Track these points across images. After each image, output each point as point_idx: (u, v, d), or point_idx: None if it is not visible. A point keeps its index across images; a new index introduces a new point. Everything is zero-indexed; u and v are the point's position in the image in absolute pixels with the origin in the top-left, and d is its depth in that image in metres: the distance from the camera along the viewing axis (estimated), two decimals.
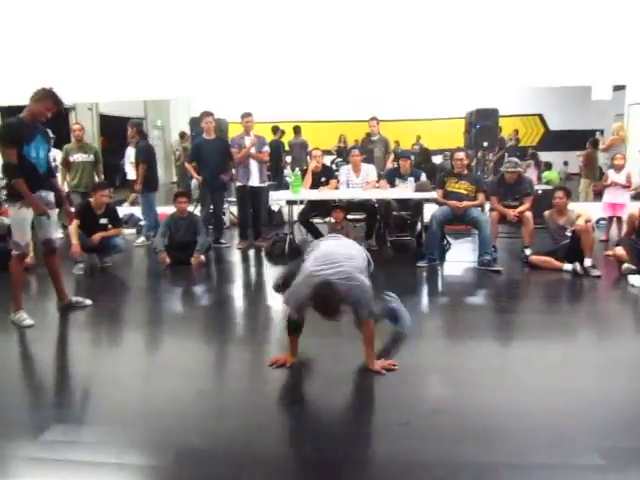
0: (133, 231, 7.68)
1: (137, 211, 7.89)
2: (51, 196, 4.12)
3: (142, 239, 7.09)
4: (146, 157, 6.98)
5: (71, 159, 6.84)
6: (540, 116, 15.70)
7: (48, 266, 4.30)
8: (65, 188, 7.12)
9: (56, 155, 7.28)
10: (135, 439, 2.47)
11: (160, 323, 4.26)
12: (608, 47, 7.38)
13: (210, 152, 6.59)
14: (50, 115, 3.92)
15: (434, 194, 5.99)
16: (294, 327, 3.12)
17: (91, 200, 5.83)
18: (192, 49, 7.73)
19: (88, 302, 4.46)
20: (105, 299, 4.80)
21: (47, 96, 3.87)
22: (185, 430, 2.53)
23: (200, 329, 4.10)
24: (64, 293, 4.40)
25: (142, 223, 7.52)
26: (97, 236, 5.69)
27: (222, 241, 6.94)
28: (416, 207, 6.36)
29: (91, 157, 6.87)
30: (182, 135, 11.29)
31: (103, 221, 5.80)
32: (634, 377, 3.05)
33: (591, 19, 7.19)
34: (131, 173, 10.09)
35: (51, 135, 4.56)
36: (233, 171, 6.98)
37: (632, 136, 10.06)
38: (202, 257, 5.90)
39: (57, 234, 4.30)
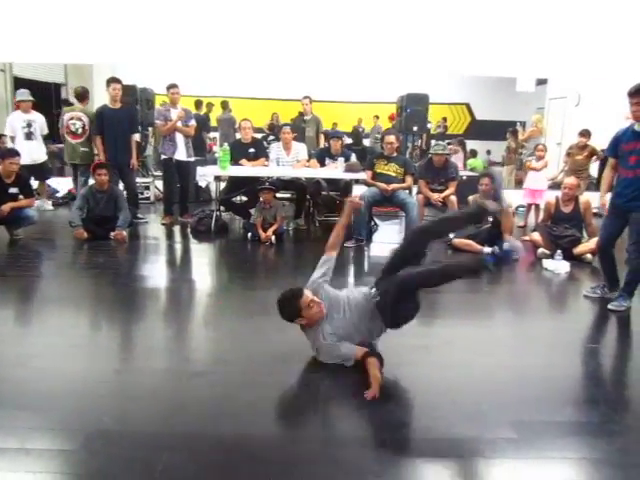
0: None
1: None
2: None
3: None
4: None
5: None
6: (467, 105, 16.17)
7: None
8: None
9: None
10: (41, 422, 2.29)
11: (74, 300, 3.98)
12: (534, 41, 7.67)
13: (116, 122, 6.22)
14: None
15: (363, 175, 6.01)
16: None
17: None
18: (119, 12, 7.28)
19: None
20: (14, 274, 4.48)
21: None
22: (97, 412, 2.38)
23: (118, 307, 3.89)
24: None
25: None
26: (6, 206, 5.32)
27: (139, 216, 6.64)
28: (345, 187, 6.37)
29: None
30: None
31: (13, 191, 5.42)
32: (546, 354, 3.19)
33: (520, 13, 7.43)
34: None
35: None
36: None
37: (551, 129, 10.58)
38: (124, 233, 5.64)
39: None
